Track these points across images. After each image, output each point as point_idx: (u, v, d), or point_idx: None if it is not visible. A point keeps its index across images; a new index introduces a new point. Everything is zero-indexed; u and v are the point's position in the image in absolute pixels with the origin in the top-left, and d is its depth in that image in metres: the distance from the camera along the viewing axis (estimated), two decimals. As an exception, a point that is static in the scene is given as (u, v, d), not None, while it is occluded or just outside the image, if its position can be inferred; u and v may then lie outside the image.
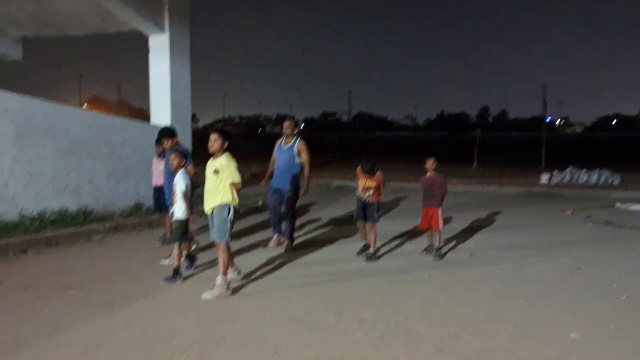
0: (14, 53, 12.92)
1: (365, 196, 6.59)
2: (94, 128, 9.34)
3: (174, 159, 5.60)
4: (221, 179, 4.95)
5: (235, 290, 5.08)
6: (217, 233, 4.98)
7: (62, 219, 8.22)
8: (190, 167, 6.20)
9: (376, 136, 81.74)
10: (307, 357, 3.52)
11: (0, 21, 11.99)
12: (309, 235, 8.47)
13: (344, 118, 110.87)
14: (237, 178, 4.98)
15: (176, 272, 5.44)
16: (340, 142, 65.84)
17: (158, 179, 7.43)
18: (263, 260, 6.44)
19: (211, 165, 5.01)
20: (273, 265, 6.25)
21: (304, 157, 7.11)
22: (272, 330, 4.03)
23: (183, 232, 5.62)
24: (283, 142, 7.23)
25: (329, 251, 7.24)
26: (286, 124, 7.25)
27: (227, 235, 4.99)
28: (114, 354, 3.56)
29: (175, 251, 5.51)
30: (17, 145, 7.79)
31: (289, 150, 7.11)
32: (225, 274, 4.95)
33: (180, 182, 5.52)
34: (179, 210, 5.55)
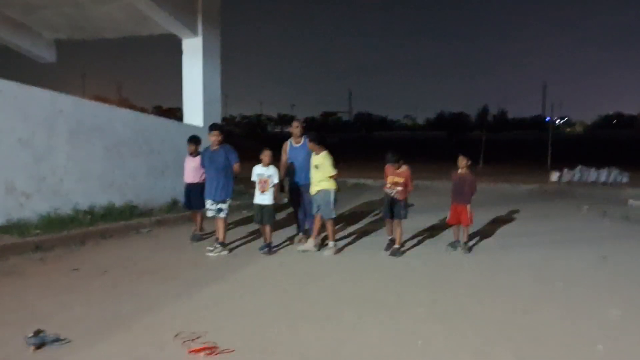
0: (48, 55, 13.38)
1: (393, 192, 6.80)
2: (136, 128, 9.85)
3: (266, 157, 6.71)
4: (322, 172, 6.75)
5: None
6: (324, 212, 6.78)
7: (111, 213, 8.70)
8: (236, 166, 6.91)
9: (378, 136, 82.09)
10: (386, 329, 4.01)
11: (37, 24, 12.47)
12: (348, 230, 8.76)
13: (345, 117, 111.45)
14: (333, 171, 6.78)
15: (269, 245, 6.80)
16: (339, 143, 65.84)
17: (189, 177, 7.89)
18: (302, 254, 6.75)
19: (313, 160, 6.89)
20: (315, 258, 6.63)
21: None
22: (345, 307, 4.52)
23: (273, 216, 6.89)
24: (293, 142, 7.48)
25: (369, 242, 7.64)
26: (295, 123, 7.54)
27: (332, 214, 6.82)
28: (215, 325, 4.03)
29: (267, 231, 6.79)
30: (71, 144, 8.28)
31: (304, 147, 7.34)
32: (334, 239, 6.91)
33: (274, 176, 6.75)
34: (269, 198, 6.74)
